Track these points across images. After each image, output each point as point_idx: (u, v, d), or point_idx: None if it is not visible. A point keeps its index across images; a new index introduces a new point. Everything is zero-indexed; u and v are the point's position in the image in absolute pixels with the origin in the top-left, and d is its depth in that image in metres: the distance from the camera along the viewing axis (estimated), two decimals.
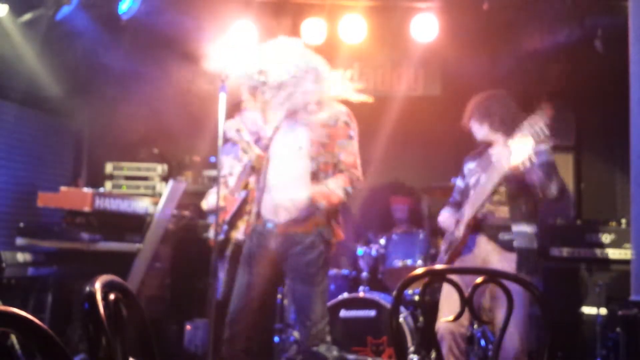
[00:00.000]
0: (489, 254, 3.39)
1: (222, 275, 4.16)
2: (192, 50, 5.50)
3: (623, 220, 4.87)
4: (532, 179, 3.24)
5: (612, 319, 4.31)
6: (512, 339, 3.21)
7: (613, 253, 4.79)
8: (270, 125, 3.36)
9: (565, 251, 4.93)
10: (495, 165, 3.27)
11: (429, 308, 3.75)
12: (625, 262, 4.34)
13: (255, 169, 3.35)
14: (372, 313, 4.34)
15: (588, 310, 4.75)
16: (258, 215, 3.23)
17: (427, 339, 4.32)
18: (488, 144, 3.56)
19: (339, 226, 3.24)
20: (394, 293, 2.03)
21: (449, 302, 3.29)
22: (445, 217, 3.61)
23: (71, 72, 5.11)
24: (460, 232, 3.37)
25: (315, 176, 3.13)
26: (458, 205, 3.64)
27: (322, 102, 3.30)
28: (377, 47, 5.45)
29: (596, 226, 4.91)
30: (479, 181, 3.47)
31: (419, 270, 2.02)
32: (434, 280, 2.06)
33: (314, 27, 5.29)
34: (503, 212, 3.38)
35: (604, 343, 4.36)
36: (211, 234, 3.57)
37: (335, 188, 3.11)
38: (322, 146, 3.18)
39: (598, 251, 4.84)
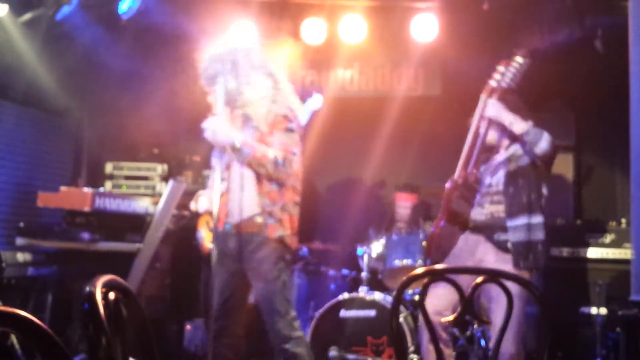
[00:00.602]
0: (487, 254, 3.41)
1: None
2: (192, 50, 5.51)
3: (623, 220, 4.87)
4: (519, 128, 3.28)
5: (612, 319, 4.31)
6: (507, 342, 3.20)
7: (613, 253, 4.79)
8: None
9: (565, 251, 4.93)
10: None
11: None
12: (625, 262, 4.34)
13: None
14: (372, 313, 4.34)
15: (588, 310, 4.75)
16: (218, 217, 3.26)
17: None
18: (494, 152, 3.59)
19: (292, 230, 3.25)
20: (394, 293, 2.03)
21: (436, 291, 3.27)
22: None
23: (71, 72, 5.11)
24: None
25: (258, 176, 3.18)
26: None
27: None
28: (377, 47, 5.45)
29: (596, 226, 4.91)
30: (484, 184, 3.50)
31: (419, 270, 2.02)
32: (434, 280, 2.06)
33: (314, 27, 5.29)
34: (498, 211, 3.39)
35: (604, 343, 4.36)
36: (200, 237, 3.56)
37: (266, 150, 3.14)
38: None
39: (598, 251, 4.84)
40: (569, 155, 5.45)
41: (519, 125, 3.30)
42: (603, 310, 4.55)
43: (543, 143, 3.27)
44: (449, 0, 5.06)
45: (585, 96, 5.53)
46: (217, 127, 3.16)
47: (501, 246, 3.36)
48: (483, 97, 3.32)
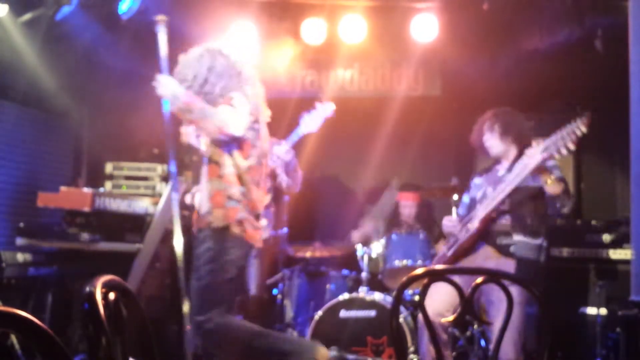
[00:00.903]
0: (487, 261, 3.42)
1: (252, 270, 4.28)
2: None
3: (623, 221, 4.87)
4: (555, 191, 3.27)
5: (612, 319, 4.31)
6: (506, 346, 3.21)
7: (613, 253, 4.79)
8: None
9: (565, 251, 4.93)
10: (518, 170, 3.27)
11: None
12: (625, 262, 4.34)
13: None
14: (372, 313, 4.34)
15: (588, 310, 4.75)
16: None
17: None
18: (496, 160, 3.60)
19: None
20: (394, 293, 2.03)
21: (437, 292, 3.27)
22: (452, 221, 3.62)
23: (71, 72, 5.11)
24: (473, 225, 3.37)
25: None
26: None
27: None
28: (377, 47, 5.45)
29: (596, 226, 4.91)
30: (486, 194, 3.51)
31: (419, 270, 2.02)
32: (434, 280, 2.06)
33: (314, 27, 5.29)
34: (505, 219, 3.40)
35: (604, 343, 4.36)
36: None
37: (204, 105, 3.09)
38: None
39: (598, 251, 4.84)
40: (569, 155, 5.44)
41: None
42: (603, 310, 4.55)
43: (568, 205, 3.35)
44: (449, 0, 5.06)
45: (585, 96, 5.53)
46: (165, 81, 3.20)
47: (503, 251, 3.38)
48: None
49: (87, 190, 4.37)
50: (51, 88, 5.07)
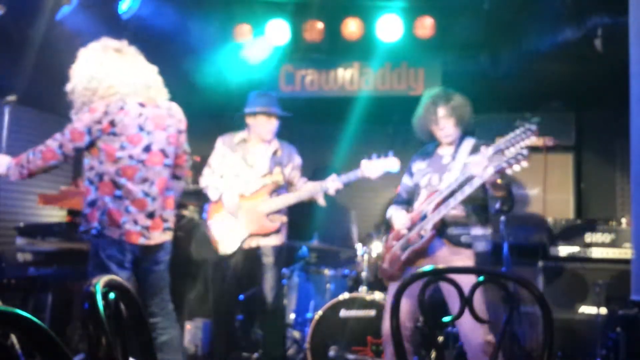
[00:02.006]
0: (441, 251, 3.45)
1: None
2: (192, 49, 5.51)
3: (623, 220, 4.87)
4: (499, 194, 3.32)
5: (612, 319, 4.31)
6: (475, 334, 3.22)
7: (613, 253, 4.79)
8: None
9: (565, 251, 4.93)
10: (468, 173, 3.29)
11: (429, 308, 3.75)
12: (625, 262, 4.34)
13: None
14: (372, 313, 4.34)
15: (588, 310, 4.75)
16: None
17: (427, 339, 4.32)
18: (436, 143, 3.62)
19: None
20: (394, 293, 2.03)
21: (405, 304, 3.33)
22: (401, 214, 3.62)
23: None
24: (427, 231, 3.39)
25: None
26: (406, 204, 3.71)
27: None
28: (377, 46, 5.45)
29: (596, 226, 4.91)
30: (431, 182, 3.52)
31: (419, 270, 2.03)
32: (434, 280, 2.06)
33: (313, 28, 5.30)
34: (456, 209, 3.42)
35: (604, 343, 4.36)
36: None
37: None
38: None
39: (598, 251, 4.84)
40: (569, 155, 5.45)
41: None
42: (603, 310, 4.55)
43: (509, 205, 3.41)
44: (449, 0, 5.06)
45: (585, 96, 5.54)
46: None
47: (458, 243, 3.43)
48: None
49: None
50: (51, 88, 5.06)
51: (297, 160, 4.55)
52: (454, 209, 3.41)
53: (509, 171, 3.10)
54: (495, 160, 3.17)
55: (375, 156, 4.14)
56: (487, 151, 3.23)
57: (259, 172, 4.39)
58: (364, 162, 4.20)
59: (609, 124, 5.54)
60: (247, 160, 4.41)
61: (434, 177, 3.56)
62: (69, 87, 3.33)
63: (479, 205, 3.48)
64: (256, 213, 4.27)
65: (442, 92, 3.63)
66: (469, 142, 3.58)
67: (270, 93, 4.53)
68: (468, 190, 3.25)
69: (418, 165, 3.71)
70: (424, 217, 3.47)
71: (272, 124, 4.39)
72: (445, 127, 3.56)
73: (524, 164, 3.07)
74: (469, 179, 3.28)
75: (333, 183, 4.28)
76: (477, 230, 3.46)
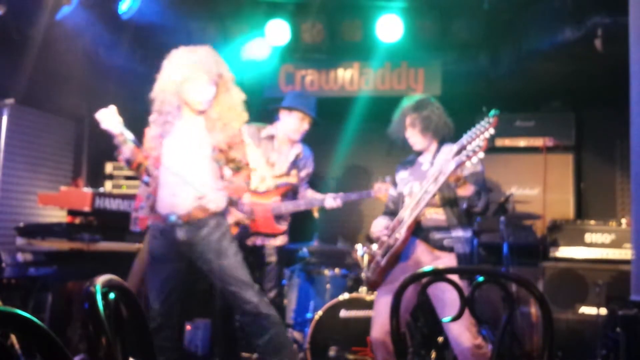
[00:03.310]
0: (422, 254, 3.46)
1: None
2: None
3: (623, 220, 4.88)
4: (464, 193, 3.33)
5: (612, 319, 4.31)
6: (463, 338, 3.22)
7: (613, 253, 4.80)
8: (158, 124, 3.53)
9: (565, 251, 4.93)
10: (436, 173, 3.30)
11: (429, 308, 3.75)
12: (625, 262, 4.34)
13: (136, 162, 3.55)
14: (372, 313, 4.33)
15: (588, 310, 4.75)
16: (154, 211, 3.44)
17: (427, 339, 4.32)
18: (418, 153, 3.64)
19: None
20: (394, 293, 2.03)
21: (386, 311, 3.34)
22: (378, 221, 3.65)
23: (71, 72, 5.11)
24: (401, 234, 3.40)
25: (220, 174, 3.45)
26: (392, 214, 3.72)
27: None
28: (377, 46, 5.45)
29: (596, 226, 4.91)
30: (413, 190, 3.56)
31: (419, 270, 2.03)
32: (434, 280, 2.06)
33: (313, 28, 5.29)
34: (437, 213, 3.44)
35: (604, 343, 4.36)
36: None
37: (240, 183, 3.46)
38: (220, 151, 3.43)
39: (598, 251, 4.84)
40: (569, 155, 5.45)
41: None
42: (603, 310, 4.55)
43: (480, 204, 3.40)
44: (449, 0, 5.06)
45: (585, 96, 5.53)
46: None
47: (437, 245, 3.46)
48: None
49: (87, 190, 4.37)
50: (51, 88, 5.07)
51: (311, 167, 4.59)
52: (436, 213, 3.44)
53: (468, 163, 3.12)
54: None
55: (388, 179, 4.20)
56: (451, 148, 3.26)
57: (276, 171, 4.41)
58: (377, 185, 4.28)
59: (609, 124, 5.54)
60: (270, 158, 4.44)
61: (415, 184, 3.58)
62: None
63: (457, 207, 3.49)
64: (266, 212, 4.29)
65: (414, 101, 3.68)
66: (448, 148, 3.55)
67: (312, 97, 4.59)
68: (433, 187, 3.26)
69: (401, 175, 3.75)
70: (401, 222, 3.48)
71: (304, 125, 4.44)
72: (412, 135, 3.60)
73: (481, 154, 3.10)
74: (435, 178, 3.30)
75: (332, 201, 4.40)
76: (457, 232, 3.47)
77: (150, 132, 3.55)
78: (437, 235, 3.47)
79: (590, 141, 5.69)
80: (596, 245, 4.85)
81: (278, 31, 5.31)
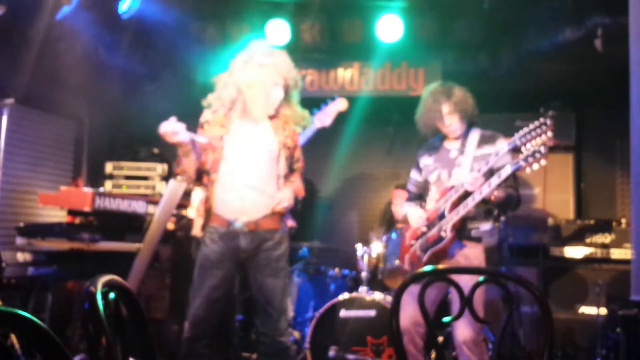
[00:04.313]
0: (462, 251, 3.44)
1: None
2: (192, 49, 5.51)
3: (623, 220, 4.88)
4: (501, 195, 3.30)
5: (612, 319, 4.31)
6: (459, 330, 3.22)
7: (613, 253, 4.80)
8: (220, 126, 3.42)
9: (565, 251, 4.93)
10: (483, 169, 3.29)
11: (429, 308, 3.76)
12: (625, 262, 4.34)
13: (203, 168, 3.39)
14: (372, 313, 4.34)
15: (588, 310, 4.75)
16: (216, 215, 3.31)
17: (427, 338, 4.32)
18: (442, 137, 3.60)
19: (292, 220, 3.46)
20: (394, 293, 2.03)
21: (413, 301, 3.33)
22: (417, 211, 3.60)
23: (71, 72, 5.11)
24: (447, 233, 3.38)
25: (284, 176, 3.36)
26: (418, 199, 3.71)
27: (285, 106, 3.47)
28: (377, 46, 5.45)
29: (596, 226, 4.91)
30: (440, 178, 3.54)
31: (419, 271, 2.03)
32: (434, 280, 2.06)
33: (313, 28, 5.29)
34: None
35: (604, 343, 4.36)
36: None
37: (298, 187, 3.39)
38: (287, 148, 3.38)
39: (598, 251, 4.84)
40: (569, 155, 5.45)
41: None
42: (603, 310, 4.55)
43: (514, 204, 3.43)
44: (449, 0, 5.06)
45: (585, 96, 5.54)
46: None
47: (470, 237, 3.46)
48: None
49: (87, 190, 4.37)
50: (51, 88, 5.07)
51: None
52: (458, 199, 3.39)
53: (528, 169, 3.07)
54: (504, 160, 3.20)
55: (323, 105, 4.19)
56: (496, 142, 3.24)
57: None
58: (316, 114, 4.25)
59: (609, 124, 5.54)
60: None
61: (443, 172, 3.53)
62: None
63: (484, 202, 3.46)
64: None
65: (442, 88, 3.58)
66: (475, 134, 3.54)
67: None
68: (486, 189, 3.22)
69: (425, 161, 3.67)
70: (442, 216, 3.44)
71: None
72: (452, 123, 3.52)
73: (543, 161, 3.02)
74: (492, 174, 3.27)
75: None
76: (485, 226, 3.45)
77: (208, 133, 3.38)
78: (470, 228, 3.44)
79: (590, 141, 5.69)
80: (596, 245, 4.85)
81: (278, 31, 5.31)
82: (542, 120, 3.10)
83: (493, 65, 5.34)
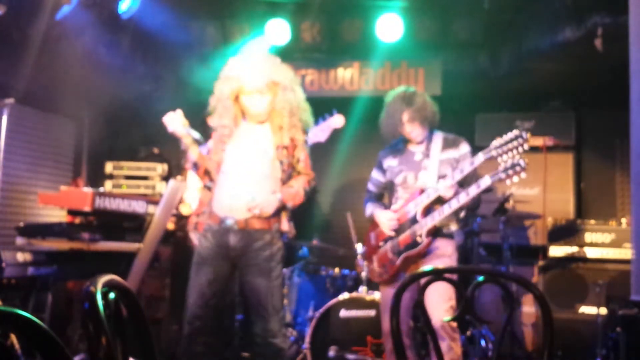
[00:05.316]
0: (434, 245, 3.48)
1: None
2: (191, 49, 5.51)
3: (623, 220, 4.88)
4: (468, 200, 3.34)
5: (612, 319, 4.31)
6: (435, 312, 3.22)
7: (613, 253, 4.80)
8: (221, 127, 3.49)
9: (565, 251, 4.93)
10: (456, 175, 3.33)
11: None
12: (625, 262, 4.34)
13: (203, 167, 3.50)
14: (372, 313, 4.34)
15: (588, 310, 4.75)
16: (211, 213, 3.40)
17: (427, 338, 4.32)
18: (405, 140, 3.65)
19: (290, 224, 3.47)
20: (394, 293, 2.03)
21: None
22: (387, 214, 3.62)
23: (71, 72, 5.11)
24: (422, 239, 3.40)
25: (282, 178, 3.40)
26: (379, 198, 3.77)
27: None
28: (377, 46, 5.45)
29: (596, 226, 4.91)
30: (407, 180, 3.58)
31: (419, 270, 2.03)
32: (434, 280, 2.06)
33: (313, 27, 5.30)
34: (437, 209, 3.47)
35: (604, 343, 4.36)
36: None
37: (299, 189, 3.40)
38: (285, 149, 3.41)
39: (598, 251, 4.84)
40: (569, 154, 5.45)
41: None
42: (603, 310, 4.55)
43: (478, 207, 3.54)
44: (449, 0, 5.06)
45: (585, 96, 5.53)
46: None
47: (443, 235, 3.51)
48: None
49: (87, 190, 4.37)
50: (51, 88, 5.06)
51: None
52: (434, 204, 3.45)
53: (508, 182, 3.10)
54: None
55: (320, 120, 4.19)
56: (478, 158, 3.26)
57: None
58: (312, 129, 4.25)
59: (609, 124, 5.54)
60: None
61: (410, 175, 3.58)
62: None
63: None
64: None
65: (403, 94, 3.64)
66: (438, 137, 3.62)
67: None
68: (464, 198, 3.27)
69: (389, 162, 3.72)
70: (414, 220, 3.47)
71: None
72: (413, 130, 3.59)
73: (523, 175, 3.06)
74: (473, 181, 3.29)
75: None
76: (453, 226, 3.53)
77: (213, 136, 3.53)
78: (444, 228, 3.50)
79: (590, 141, 5.69)
80: (596, 245, 4.85)
81: (278, 31, 5.31)
82: (517, 132, 3.13)
83: (493, 65, 5.34)
